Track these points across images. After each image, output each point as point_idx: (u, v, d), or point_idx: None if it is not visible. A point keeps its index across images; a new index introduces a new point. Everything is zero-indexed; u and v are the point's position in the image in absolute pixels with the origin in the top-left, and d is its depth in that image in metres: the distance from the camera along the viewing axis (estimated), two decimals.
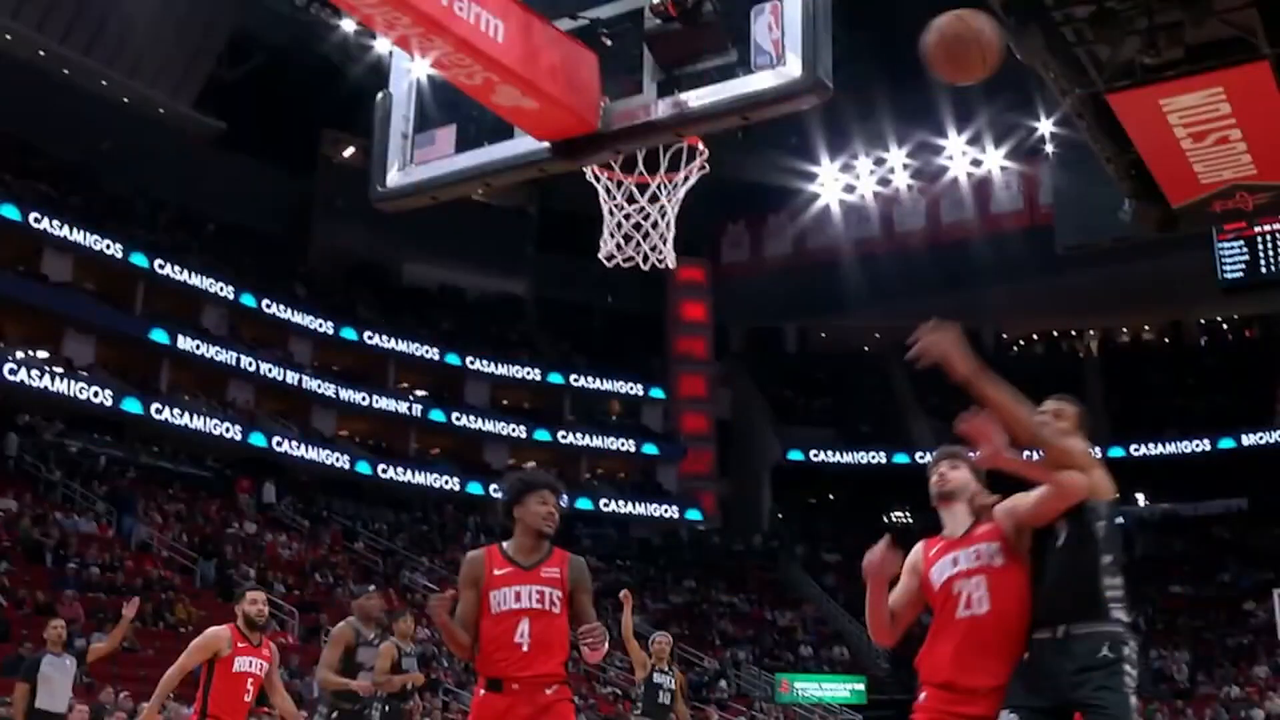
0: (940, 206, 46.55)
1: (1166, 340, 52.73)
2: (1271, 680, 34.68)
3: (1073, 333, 53.03)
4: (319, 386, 41.63)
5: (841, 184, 46.56)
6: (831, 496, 51.79)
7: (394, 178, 7.27)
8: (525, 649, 5.73)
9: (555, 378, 47.24)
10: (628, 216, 7.12)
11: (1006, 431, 5.10)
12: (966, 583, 5.21)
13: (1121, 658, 4.97)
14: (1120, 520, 5.25)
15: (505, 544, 5.98)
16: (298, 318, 41.86)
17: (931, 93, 39.30)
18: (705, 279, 50.38)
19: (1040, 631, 5.10)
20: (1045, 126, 39.71)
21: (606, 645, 5.88)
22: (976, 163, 44.71)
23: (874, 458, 49.59)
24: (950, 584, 5.24)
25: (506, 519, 5.99)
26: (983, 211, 45.49)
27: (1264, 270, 41.11)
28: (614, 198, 7.03)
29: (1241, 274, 41.52)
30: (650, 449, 48.49)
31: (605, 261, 7.09)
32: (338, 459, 40.81)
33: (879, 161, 45.50)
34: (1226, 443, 44.52)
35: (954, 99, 40.28)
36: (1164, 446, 45.57)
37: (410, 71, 7.27)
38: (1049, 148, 38.56)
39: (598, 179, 7.03)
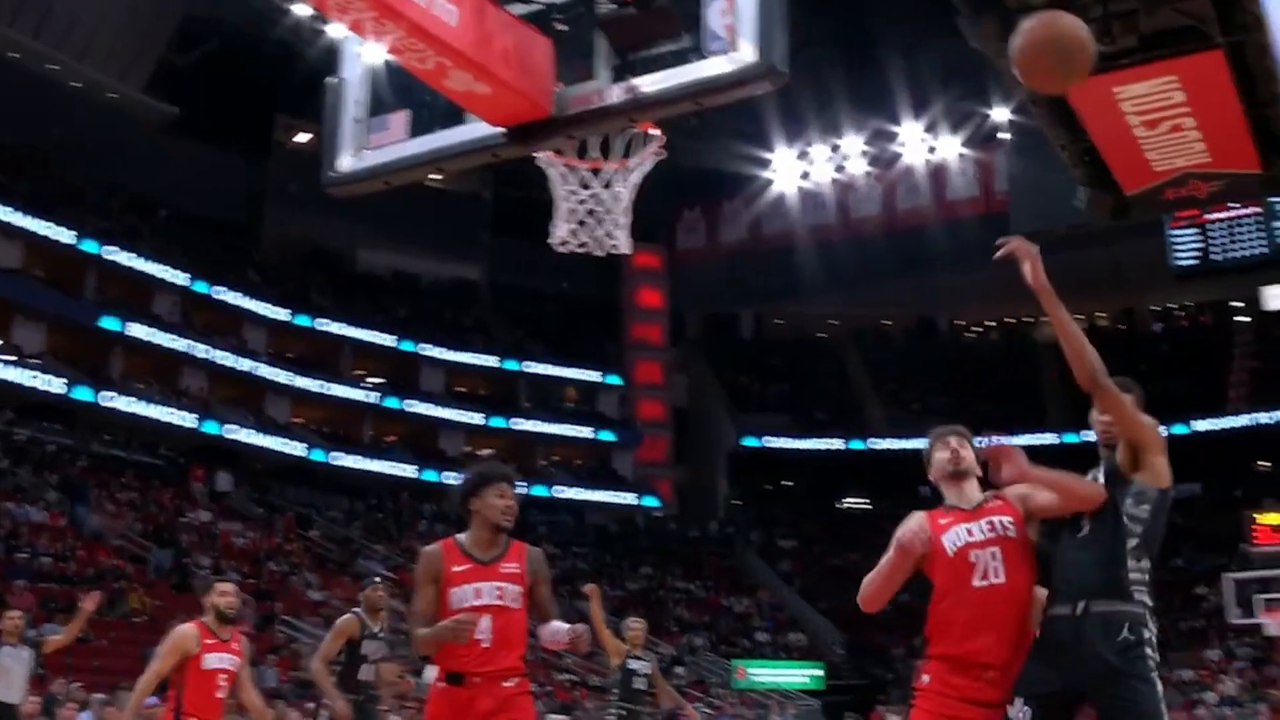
0: (896, 193, 46.64)
1: (1121, 327, 53.05)
2: (1223, 663, 35.02)
3: (1028, 319, 53.22)
4: (273, 374, 41.40)
5: (798, 171, 46.59)
6: (787, 483, 51.90)
7: (346, 163, 7.21)
8: (486, 644, 5.69)
9: (511, 364, 47.13)
10: (582, 202, 7.08)
11: (1069, 358, 5.14)
12: (983, 552, 5.19)
13: (1142, 640, 4.96)
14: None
15: (462, 537, 5.92)
16: (251, 304, 41.58)
17: (887, 80, 39.41)
18: (661, 265, 50.35)
19: (1058, 607, 5.08)
20: (1001, 114, 39.86)
21: (588, 642, 5.89)
22: (933, 150, 44.82)
23: (830, 444, 49.69)
24: (966, 552, 5.21)
25: (463, 511, 5.93)
26: (939, 198, 45.60)
27: (1216, 257, 41.66)
28: (567, 183, 6.98)
29: (1193, 261, 42.04)
30: (606, 436, 48.45)
31: (557, 248, 7.05)
32: (292, 446, 40.62)
33: (835, 148, 45.56)
34: (1180, 429, 44.83)
35: (910, 86, 40.36)
36: None
37: (362, 56, 7.20)
38: (1005, 135, 38.72)
39: (550, 165, 6.98)
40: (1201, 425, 44.52)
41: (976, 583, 5.15)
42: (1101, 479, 5.21)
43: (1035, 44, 5.29)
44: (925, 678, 5.20)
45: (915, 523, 5.32)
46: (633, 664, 12.84)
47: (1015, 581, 5.16)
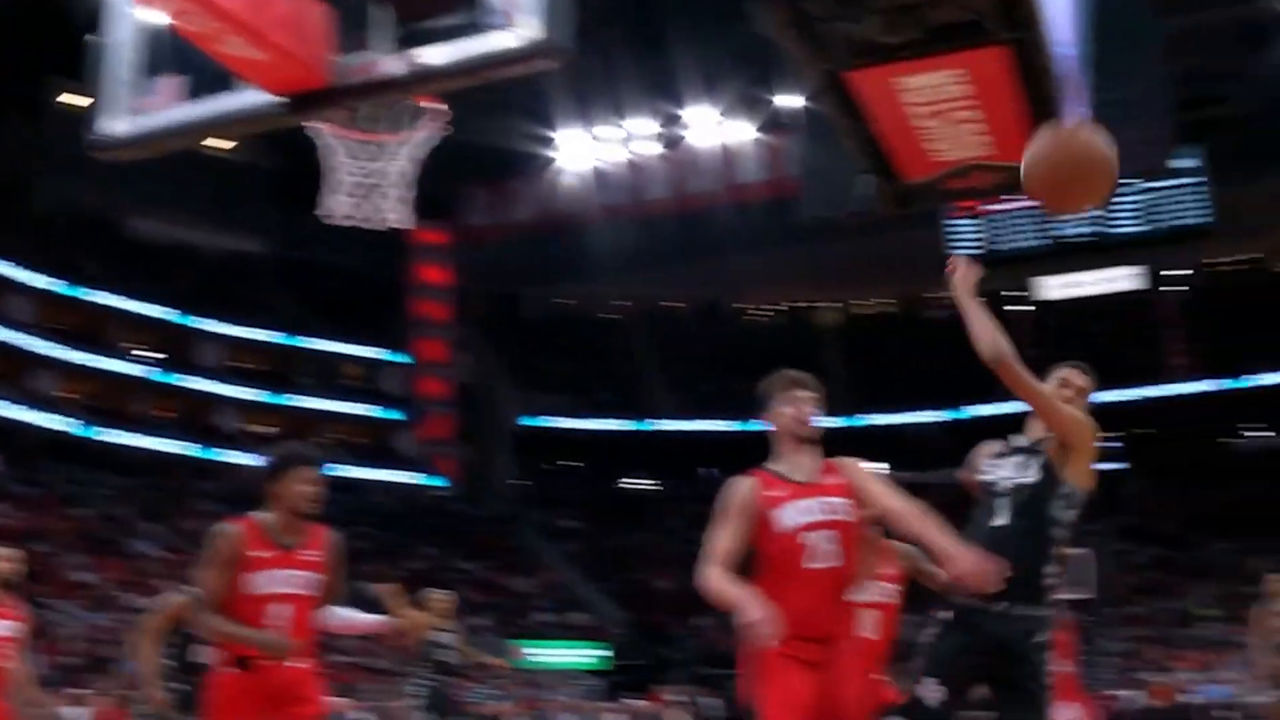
0: (687, 176, 46.91)
1: (903, 314, 54.27)
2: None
3: (814, 304, 54.22)
4: (40, 346, 39.83)
5: (588, 151, 46.59)
6: (571, 463, 51.98)
7: (114, 126, 6.83)
8: (280, 630, 5.60)
9: (291, 340, 46.20)
10: (366, 175, 6.85)
11: (973, 340, 5.29)
12: (817, 535, 5.09)
13: (1046, 644, 5.11)
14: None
15: (262, 519, 5.75)
16: (17, 273, 39.96)
17: (678, 63, 39.63)
18: (448, 242, 49.80)
19: (978, 600, 5.10)
20: (791, 99, 40.39)
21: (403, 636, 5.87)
22: (724, 133, 45.20)
23: (615, 425, 49.97)
24: (800, 533, 5.09)
25: (266, 492, 5.77)
26: (729, 182, 46.00)
27: (994, 247, 43.05)
28: (341, 155, 6.76)
29: (972, 250, 43.30)
30: (388, 414, 47.92)
31: (328, 220, 6.82)
32: (60, 422, 39.16)
33: (626, 130, 45.66)
34: (957, 413, 46.21)
35: (703, 70, 40.66)
36: (901, 416, 47.10)
37: (133, 16, 6.85)
38: (795, 120, 39.26)
39: (324, 135, 6.75)
40: (980, 410, 45.93)
41: (808, 565, 5.06)
42: (1034, 476, 5.26)
43: (1046, 165, 5.21)
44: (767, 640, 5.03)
45: (742, 493, 5.17)
46: (438, 636, 12.64)
47: (847, 563, 5.09)
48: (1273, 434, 45.51)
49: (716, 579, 5.04)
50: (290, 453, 5.90)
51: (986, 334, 5.21)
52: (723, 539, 5.13)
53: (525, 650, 37.48)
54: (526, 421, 50.02)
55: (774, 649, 5.00)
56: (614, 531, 46.27)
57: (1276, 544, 34.30)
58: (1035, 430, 5.49)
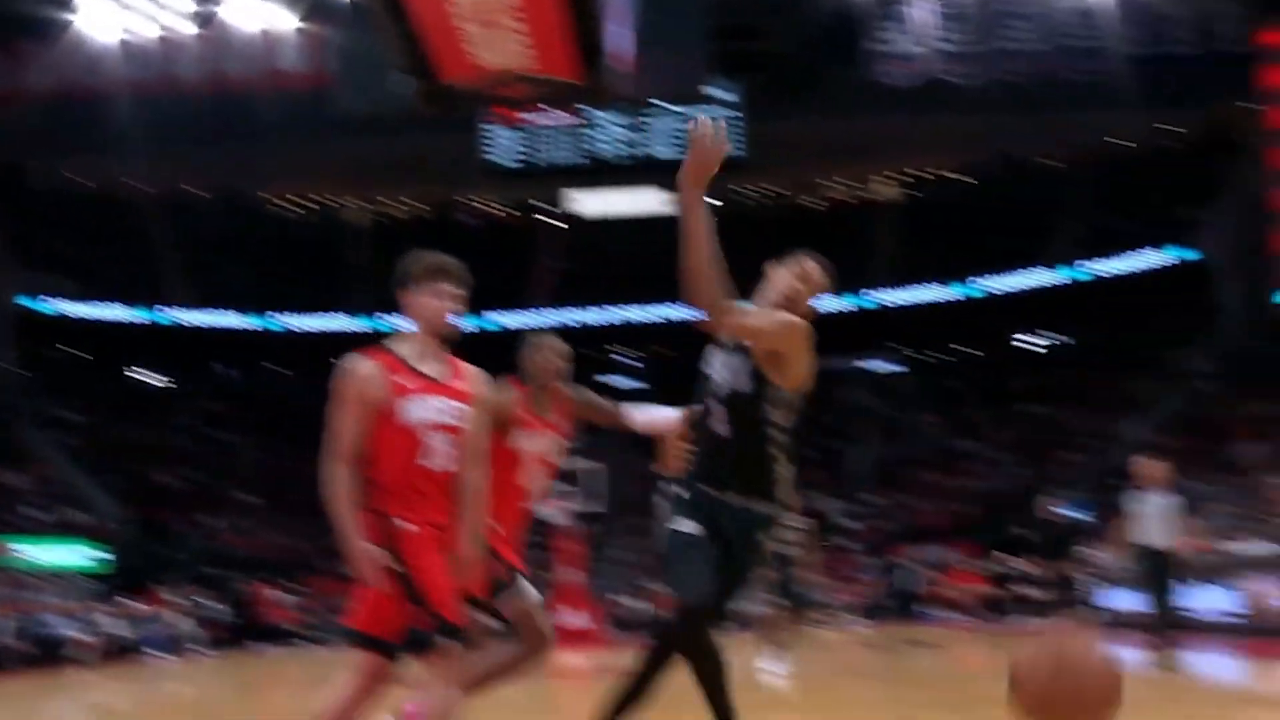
0: (221, 58, 44.92)
1: (435, 217, 54.13)
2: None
3: (344, 201, 53.30)
4: None
5: (114, 20, 43.81)
6: (75, 351, 49.24)
7: None
8: None
9: None
10: None
11: (687, 274, 5.17)
12: (439, 436, 4.87)
13: (763, 543, 5.28)
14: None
15: None
16: None
17: None
18: None
19: (710, 488, 5.24)
20: None
21: None
22: (264, 18, 43.54)
23: (125, 314, 47.68)
24: (424, 430, 4.85)
25: None
26: (265, 68, 44.39)
27: (531, 160, 43.87)
28: None
29: (508, 161, 44.01)
30: None
31: None
32: None
33: (157, 3, 43.24)
34: (480, 322, 46.71)
35: None
36: None
37: None
38: (338, 12, 38.33)
39: None
40: (503, 320, 46.68)
41: (424, 462, 4.84)
42: (746, 385, 5.26)
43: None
44: (408, 526, 4.77)
45: (367, 375, 4.88)
46: None
47: (459, 469, 4.90)
48: None
49: (338, 493, 4.79)
50: None
51: (705, 280, 5.16)
52: (347, 429, 4.84)
53: (14, 548, 35.36)
54: (27, 303, 46.82)
55: (409, 532, 4.77)
56: (119, 425, 44.24)
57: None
58: None
